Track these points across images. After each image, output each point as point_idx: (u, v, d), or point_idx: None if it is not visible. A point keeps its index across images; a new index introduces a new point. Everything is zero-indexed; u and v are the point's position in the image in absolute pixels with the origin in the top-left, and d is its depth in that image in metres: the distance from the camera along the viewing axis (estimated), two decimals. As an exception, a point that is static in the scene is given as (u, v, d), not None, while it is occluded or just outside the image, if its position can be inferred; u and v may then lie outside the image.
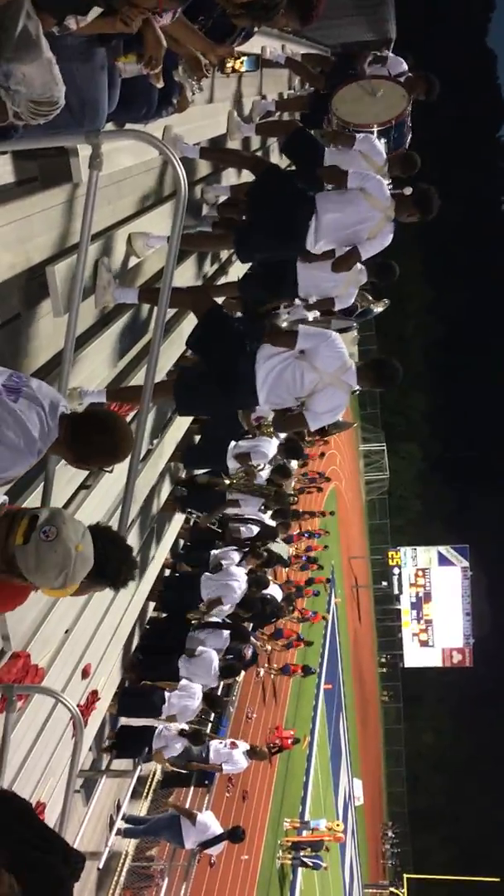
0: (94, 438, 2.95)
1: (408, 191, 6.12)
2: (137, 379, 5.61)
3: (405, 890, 44.51)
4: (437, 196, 6.19)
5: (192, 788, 11.59)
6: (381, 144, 6.60)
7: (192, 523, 10.47)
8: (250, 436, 9.79)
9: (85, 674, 5.92)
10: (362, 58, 8.15)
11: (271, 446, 9.95)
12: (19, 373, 2.94)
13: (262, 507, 10.64)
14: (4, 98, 2.64)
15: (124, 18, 3.12)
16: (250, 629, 11.39)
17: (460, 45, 64.26)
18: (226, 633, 10.11)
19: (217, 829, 9.50)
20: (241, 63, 5.51)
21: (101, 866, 8.85)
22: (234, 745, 10.65)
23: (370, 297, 8.80)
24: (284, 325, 6.84)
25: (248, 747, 10.89)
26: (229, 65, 5.31)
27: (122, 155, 4.67)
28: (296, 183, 6.35)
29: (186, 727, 9.54)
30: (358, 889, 37.75)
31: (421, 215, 6.22)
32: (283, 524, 11.32)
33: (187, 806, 10.69)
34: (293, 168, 7.83)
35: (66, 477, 4.82)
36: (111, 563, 2.86)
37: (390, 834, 53.35)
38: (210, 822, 9.47)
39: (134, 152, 4.83)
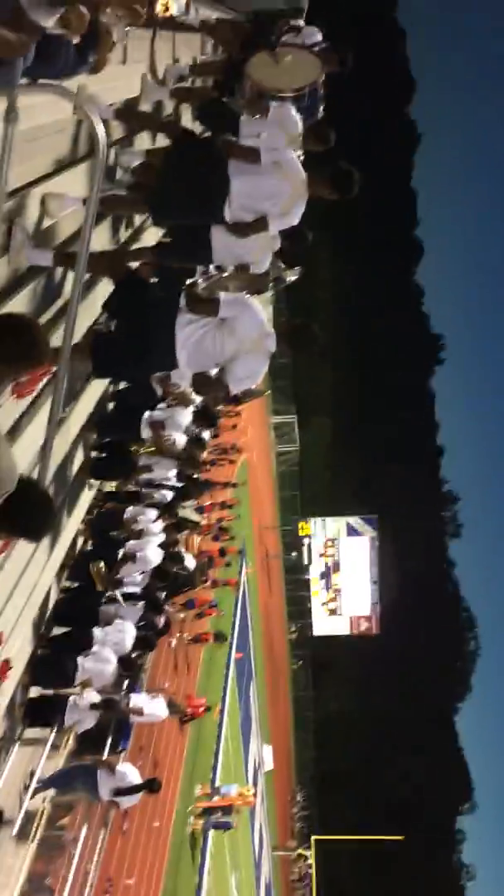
0: (7, 339, 2.87)
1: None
2: (54, 342, 5.54)
3: (313, 851, 45.68)
4: (357, 177, 6.11)
5: (105, 755, 11.56)
6: (295, 113, 6.61)
7: (104, 492, 10.42)
8: (164, 404, 9.79)
9: (-2, 641, 5.88)
10: (278, 27, 8.14)
11: (185, 416, 9.96)
12: None
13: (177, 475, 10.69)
14: None
15: None
16: (163, 598, 11.43)
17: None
18: (140, 603, 10.13)
19: (136, 779, 9.46)
20: (171, 5, 5.40)
21: (14, 833, 8.77)
22: (154, 697, 10.54)
23: (282, 265, 8.86)
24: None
25: (169, 699, 10.88)
26: (159, 6, 5.18)
27: (35, 112, 4.58)
28: (211, 149, 6.32)
29: (98, 699, 9.45)
30: (267, 852, 38.53)
31: (339, 195, 6.23)
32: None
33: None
34: (208, 134, 7.79)
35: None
36: (36, 504, 2.87)
37: (299, 798, 54.51)
38: (129, 773, 9.41)
39: (47, 110, 4.73)
